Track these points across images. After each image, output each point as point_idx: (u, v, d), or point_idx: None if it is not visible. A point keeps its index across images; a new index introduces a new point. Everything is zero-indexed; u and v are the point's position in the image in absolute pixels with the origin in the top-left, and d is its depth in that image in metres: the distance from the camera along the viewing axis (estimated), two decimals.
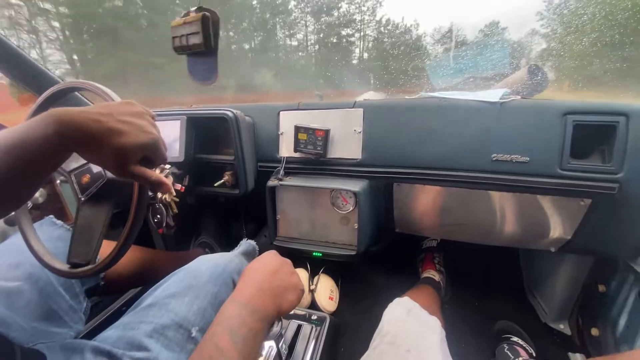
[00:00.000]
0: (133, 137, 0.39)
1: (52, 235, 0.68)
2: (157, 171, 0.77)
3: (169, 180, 0.47)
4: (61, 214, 1.01)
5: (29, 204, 0.87)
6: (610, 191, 0.68)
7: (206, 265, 0.59)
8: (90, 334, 0.51)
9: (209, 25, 0.47)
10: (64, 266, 0.50)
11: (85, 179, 0.57)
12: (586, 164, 0.70)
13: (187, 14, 0.48)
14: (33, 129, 0.33)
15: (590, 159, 0.72)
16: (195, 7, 0.47)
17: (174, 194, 0.82)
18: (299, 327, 0.84)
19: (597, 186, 0.68)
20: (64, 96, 0.55)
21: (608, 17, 0.80)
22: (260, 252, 0.76)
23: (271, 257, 0.54)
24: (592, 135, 0.70)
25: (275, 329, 0.64)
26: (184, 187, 0.86)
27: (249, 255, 0.71)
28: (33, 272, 0.57)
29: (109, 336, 0.47)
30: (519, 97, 0.78)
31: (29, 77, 0.85)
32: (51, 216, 0.72)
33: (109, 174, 0.56)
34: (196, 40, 0.48)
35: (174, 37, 0.50)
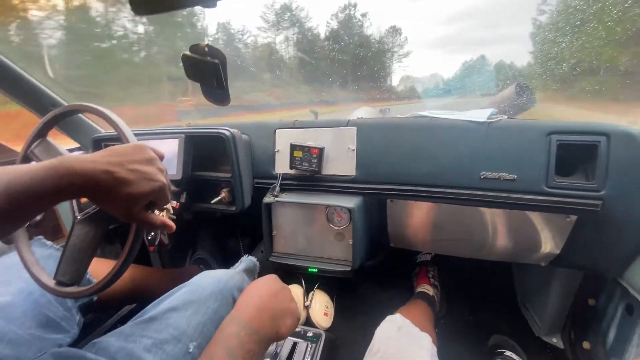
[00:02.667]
0: (140, 186, 0.41)
1: (41, 255, 0.68)
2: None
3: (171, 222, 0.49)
4: (56, 231, 1.02)
5: None
6: (594, 208, 0.70)
7: (208, 280, 0.60)
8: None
9: (220, 70, 0.51)
10: (50, 281, 0.50)
11: (85, 199, 0.58)
12: (571, 181, 0.73)
13: (196, 49, 0.52)
14: (44, 180, 0.34)
15: (575, 177, 0.75)
16: (205, 44, 0.51)
17: (172, 212, 0.83)
18: (294, 344, 0.84)
19: (582, 203, 0.71)
20: (67, 118, 0.57)
21: (585, 46, 0.85)
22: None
23: (273, 280, 0.56)
24: (576, 154, 0.73)
25: (271, 348, 0.65)
26: (179, 204, 0.88)
27: (251, 272, 0.72)
28: (25, 287, 0.58)
29: (111, 345, 0.48)
30: (505, 117, 0.81)
31: (30, 97, 0.87)
32: (40, 237, 0.72)
33: None
34: (210, 82, 0.53)
35: (186, 68, 0.54)
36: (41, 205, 0.36)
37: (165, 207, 0.50)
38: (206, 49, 0.51)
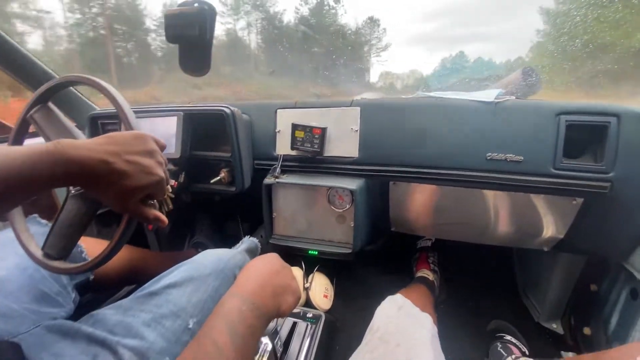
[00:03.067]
0: (137, 179, 0.39)
1: (36, 233, 0.67)
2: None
3: (165, 218, 0.48)
4: (52, 209, 1.00)
5: None
6: (602, 190, 0.69)
7: (209, 258, 0.60)
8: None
9: (206, 17, 0.48)
10: (37, 251, 0.49)
11: None
12: (578, 163, 0.71)
13: (183, 3, 0.49)
14: (37, 165, 0.33)
15: (583, 159, 0.73)
16: None
17: (170, 190, 0.81)
18: (294, 324, 0.84)
19: (589, 185, 0.69)
20: (60, 91, 0.54)
21: (600, 19, 0.82)
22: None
23: (274, 258, 0.55)
24: (585, 135, 0.71)
25: (271, 324, 0.64)
26: (176, 182, 0.86)
27: (252, 253, 0.72)
28: (20, 262, 0.57)
29: (109, 318, 0.48)
30: (513, 97, 0.79)
31: (24, 71, 0.84)
32: (35, 215, 0.71)
33: None
34: (192, 31, 0.48)
35: (168, 26, 0.50)
36: (32, 190, 0.34)
37: (163, 222, 0.50)
38: (195, 5, 0.48)
